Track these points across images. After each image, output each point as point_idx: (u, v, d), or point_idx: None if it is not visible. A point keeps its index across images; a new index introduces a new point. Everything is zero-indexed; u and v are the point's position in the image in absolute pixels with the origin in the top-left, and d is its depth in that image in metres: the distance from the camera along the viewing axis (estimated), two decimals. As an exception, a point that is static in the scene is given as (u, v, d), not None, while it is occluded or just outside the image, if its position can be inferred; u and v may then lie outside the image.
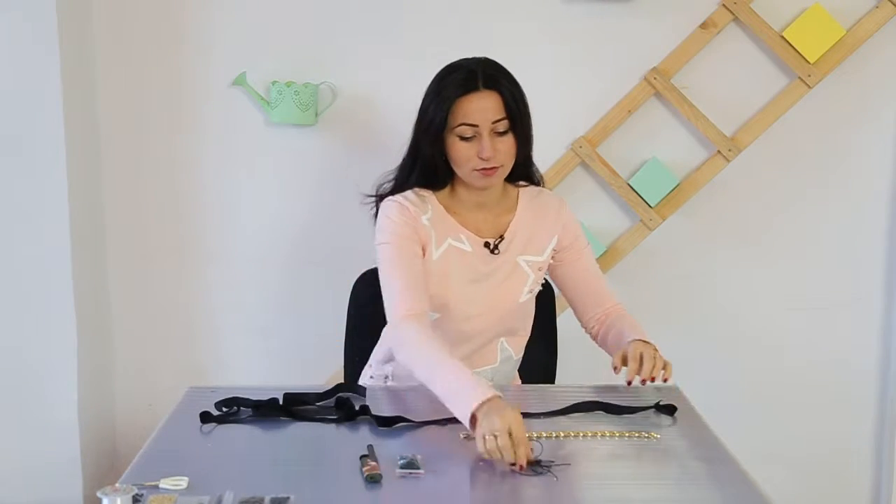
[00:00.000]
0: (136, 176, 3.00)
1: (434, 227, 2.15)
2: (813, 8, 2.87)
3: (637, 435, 1.87)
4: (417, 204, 2.16)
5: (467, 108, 2.07)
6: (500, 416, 1.73)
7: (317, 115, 2.92)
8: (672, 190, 2.94)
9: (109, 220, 3.01)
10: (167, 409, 2.02)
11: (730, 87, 2.95)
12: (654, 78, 2.90)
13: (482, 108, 2.06)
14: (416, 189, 2.18)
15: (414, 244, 2.13)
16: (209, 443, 1.86)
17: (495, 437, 1.71)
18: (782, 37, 2.89)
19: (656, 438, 1.86)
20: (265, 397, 1.99)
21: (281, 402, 1.98)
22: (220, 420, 1.93)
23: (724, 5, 2.88)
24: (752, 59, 2.95)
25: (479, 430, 1.74)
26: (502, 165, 2.10)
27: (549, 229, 2.23)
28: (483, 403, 1.79)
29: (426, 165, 2.15)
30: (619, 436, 1.87)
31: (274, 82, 2.89)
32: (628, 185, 2.95)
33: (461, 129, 2.07)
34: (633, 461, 1.78)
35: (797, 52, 2.88)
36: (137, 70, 2.95)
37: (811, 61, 2.88)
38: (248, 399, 1.98)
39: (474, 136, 2.07)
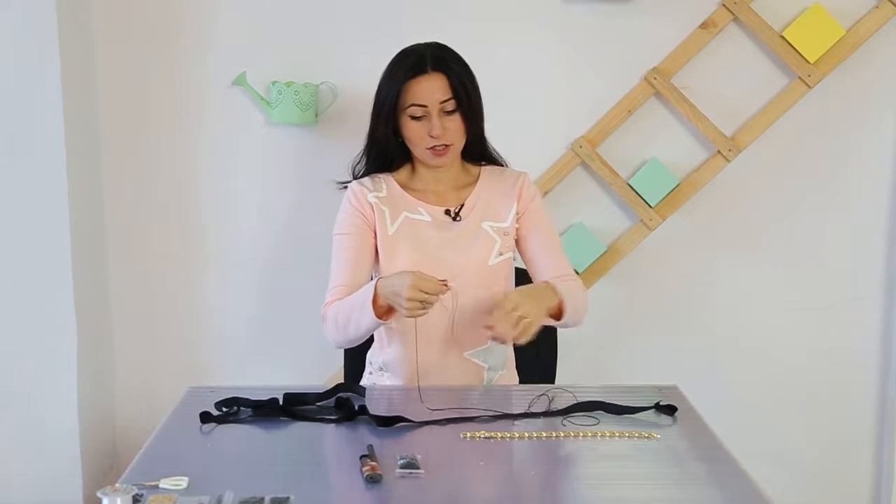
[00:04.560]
0: (136, 176, 3.00)
1: (387, 205, 2.28)
2: (813, 8, 2.87)
3: (637, 435, 1.87)
4: (369, 185, 2.31)
5: (416, 90, 2.20)
6: (398, 283, 2.02)
7: (317, 115, 2.92)
8: (672, 190, 2.94)
9: (109, 220, 3.01)
10: (167, 409, 2.02)
11: (730, 87, 2.95)
12: (654, 78, 2.90)
13: (430, 89, 2.19)
14: (374, 175, 2.33)
15: (357, 227, 2.27)
16: (209, 443, 1.86)
17: (413, 299, 1.98)
18: (782, 37, 2.89)
19: (656, 438, 1.86)
20: (265, 397, 1.99)
21: (281, 402, 1.98)
22: (220, 420, 1.93)
23: (724, 5, 2.88)
24: (752, 59, 2.95)
25: (399, 307, 2.03)
26: (453, 144, 2.23)
27: (508, 197, 2.31)
28: (375, 296, 2.08)
29: (381, 147, 2.29)
30: (619, 436, 1.87)
31: (274, 82, 2.89)
32: (628, 185, 2.94)
33: (412, 110, 2.20)
34: (633, 461, 1.78)
35: (797, 52, 2.88)
36: (137, 70, 2.95)
37: (811, 61, 2.88)
38: (248, 399, 1.98)
39: (424, 115, 2.20)
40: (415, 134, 2.22)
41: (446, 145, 2.22)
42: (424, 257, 2.22)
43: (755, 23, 2.88)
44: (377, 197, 2.29)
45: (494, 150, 2.38)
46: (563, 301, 2.14)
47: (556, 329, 2.49)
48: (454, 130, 2.22)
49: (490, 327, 2.02)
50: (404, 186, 2.31)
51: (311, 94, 2.87)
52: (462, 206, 2.29)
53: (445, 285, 2.02)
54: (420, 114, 2.20)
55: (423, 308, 2.01)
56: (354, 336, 2.20)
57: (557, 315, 2.16)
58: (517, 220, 2.30)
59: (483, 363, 2.26)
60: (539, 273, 2.29)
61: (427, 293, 2.00)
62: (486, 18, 2.91)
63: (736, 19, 2.90)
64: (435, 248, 2.24)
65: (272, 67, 2.92)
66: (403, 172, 2.34)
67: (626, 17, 2.90)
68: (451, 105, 2.20)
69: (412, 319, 2.09)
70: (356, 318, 2.15)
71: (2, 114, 2.73)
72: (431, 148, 2.22)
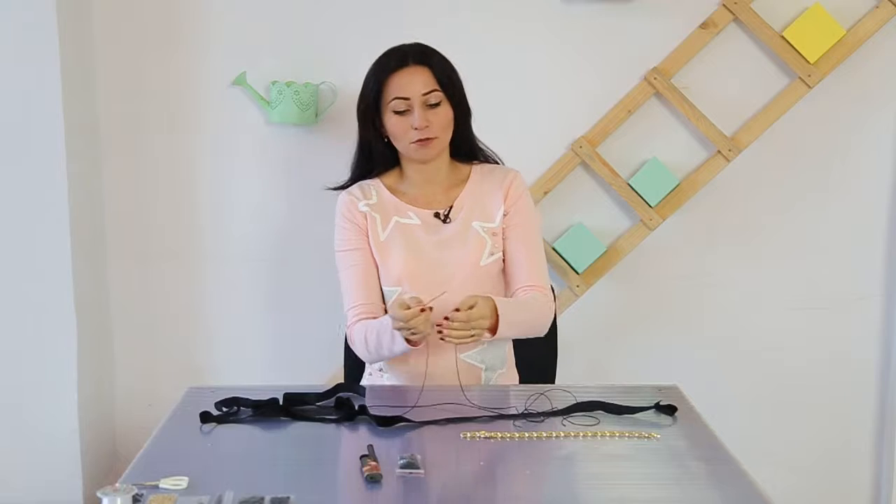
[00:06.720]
0: (136, 176, 3.00)
1: (377, 211, 2.26)
2: (813, 8, 2.87)
3: (637, 435, 1.87)
4: (358, 194, 2.28)
5: (398, 83, 2.19)
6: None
7: (317, 115, 2.92)
8: (672, 190, 2.94)
9: (109, 220, 3.01)
10: (167, 409, 2.02)
11: (730, 87, 2.96)
12: (654, 78, 2.90)
13: (412, 81, 2.19)
14: (362, 182, 2.31)
15: (358, 240, 2.26)
16: (209, 443, 1.86)
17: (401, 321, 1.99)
18: (782, 37, 2.89)
19: (656, 438, 1.86)
20: (265, 397, 1.99)
21: (281, 402, 1.98)
22: (220, 420, 1.93)
23: (724, 5, 2.88)
24: (752, 59, 2.95)
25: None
26: (437, 137, 2.21)
27: (496, 197, 2.28)
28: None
29: (367, 149, 2.28)
30: (619, 436, 1.86)
31: (274, 82, 2.89)
32: (628, 185, 2.94)
33: (394, 104, 2.19)
34: (633, 461, 1.78)
35: (797, 52, 2.88)
36: (137, 70, 2.95)
37: (811, 61, 2.88)
38: (248, 399, 1.98)
39: (407, 109, 2.19)
40: (398, 128, 2.20)
41: (430, 138, 2.19)
42: (416, 261, 2.22)
43: (755, 23, 2.88)
44: (368, 205, 2.27)
45: (486, 147, 2.35)
46: (499, 323, 2.10)
47: (556, 329, 2.49)
48: (438, 123, 2.20)
49: (440, 330, 2.03)
50: (393, 191, 2.29)
51: (311, 94, 2.87)
52: (451, 207, 2.27)
53: (424, 308, 2.01)
54: (403, 107, 2.19)
55: (414, 333, 2.03)
56: (388, 357, 2.22)
57: (492, 330, 2.13)
58: (504, 219, 2.28)
59: (480, 364, 2.26)
60: (510, 277, 2.28)
61: (403, 322, 2.01)
62: (486, 18, 2.92)
63: (736, 19, 2.90)
64: (426, 250, 2.23)
65: (272, 67, 2.92)
66: (392, 176, 2.32)
67: (626, 17, 2.90)
68: (434, 97, 2.19)
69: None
70: (387, 345, 2.14)
71: (2, 114, 2.73)
72: (416, 141, 2.20)
